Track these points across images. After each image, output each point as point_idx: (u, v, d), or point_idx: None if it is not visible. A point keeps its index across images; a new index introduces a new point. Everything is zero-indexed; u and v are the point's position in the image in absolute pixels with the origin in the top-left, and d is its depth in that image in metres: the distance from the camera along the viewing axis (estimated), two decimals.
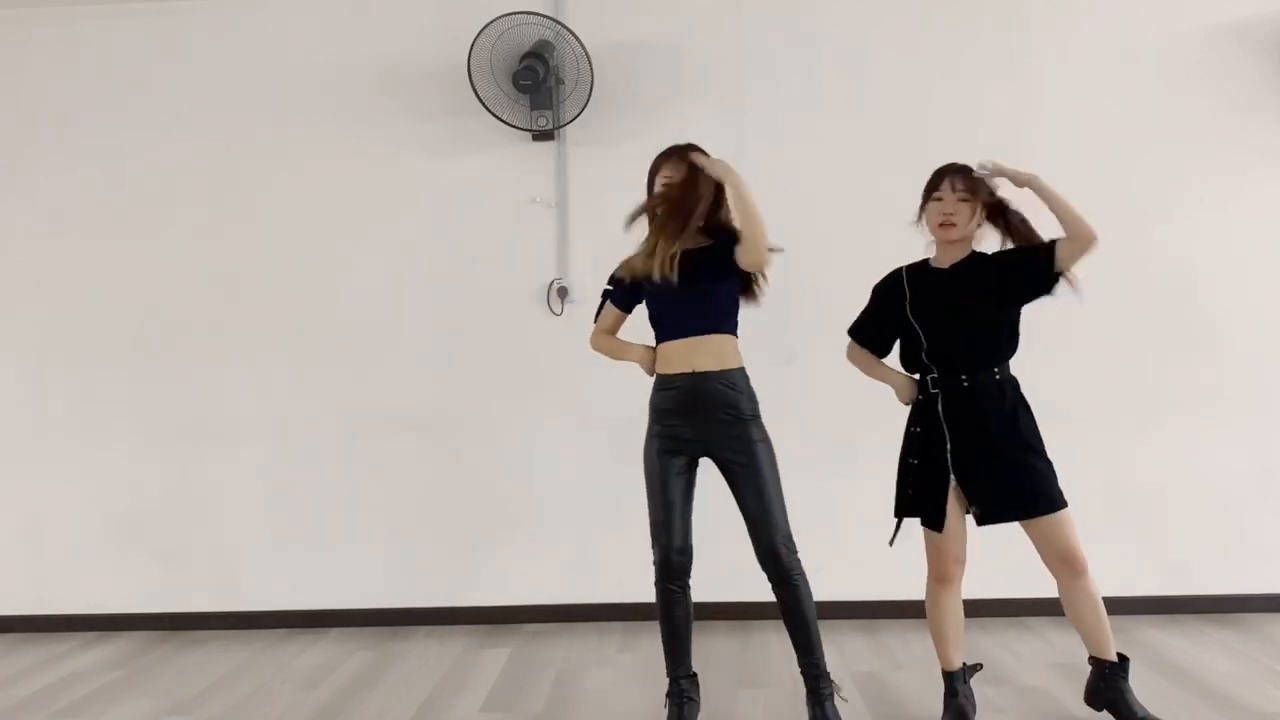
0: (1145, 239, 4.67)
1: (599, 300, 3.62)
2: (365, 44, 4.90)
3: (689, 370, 3.31)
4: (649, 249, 3.33)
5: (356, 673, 4.18)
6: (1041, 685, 3.81)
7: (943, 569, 3.31)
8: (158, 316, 4.93)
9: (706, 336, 3.32)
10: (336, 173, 4.88)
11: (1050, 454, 4.55)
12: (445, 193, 4.86)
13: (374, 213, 4.88)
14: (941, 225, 3.28)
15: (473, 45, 4.59)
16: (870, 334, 3.48)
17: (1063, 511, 3.25)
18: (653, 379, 3.43)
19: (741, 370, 3.36)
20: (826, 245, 4.56)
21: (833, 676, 3.34)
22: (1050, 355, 4.61)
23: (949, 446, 3.25)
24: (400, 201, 4.88)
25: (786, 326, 4.39)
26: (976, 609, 4.53)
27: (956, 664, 3.38)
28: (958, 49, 4.79)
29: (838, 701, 3.32)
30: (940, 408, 3.27)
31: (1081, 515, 4.55)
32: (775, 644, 4.27)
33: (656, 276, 3.28)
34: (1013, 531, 4.55)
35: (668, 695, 3.40)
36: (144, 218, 4.94)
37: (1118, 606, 4.51)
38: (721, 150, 4.66)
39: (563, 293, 4.80)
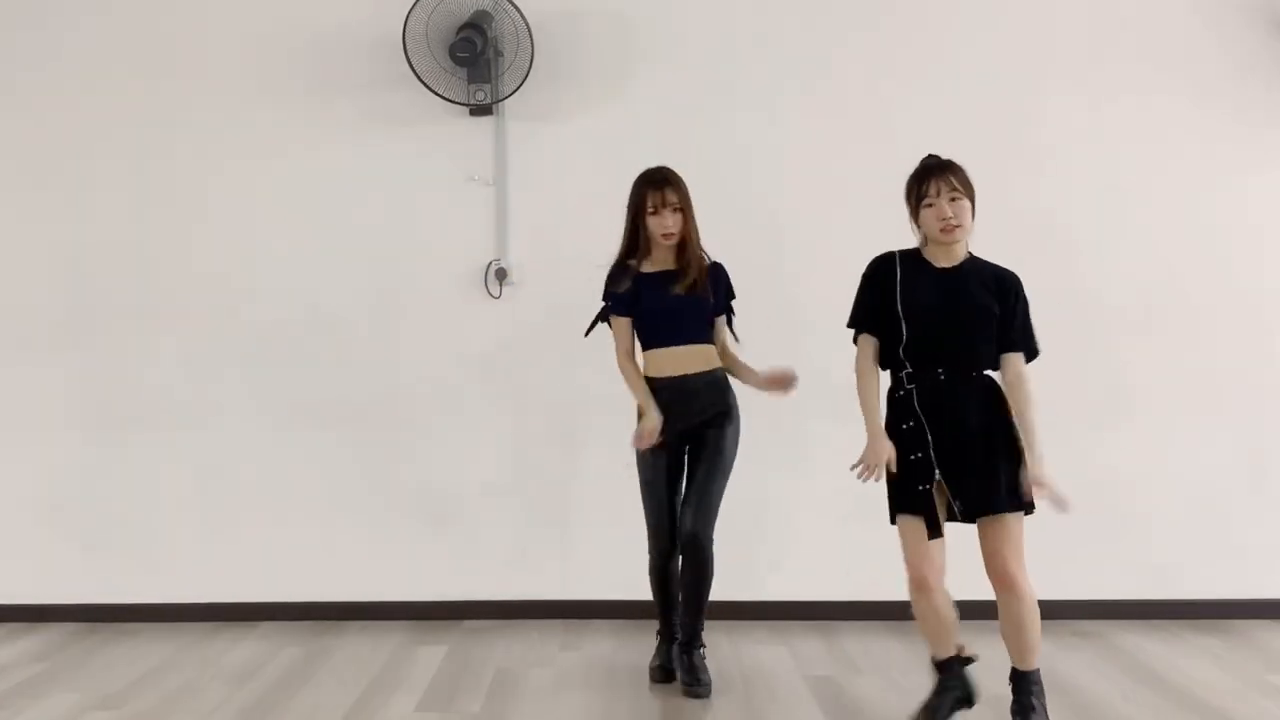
0: (1125, 225, 4.64)
1: (597, 318, 3.73)
2: (292, 13, 4.73)
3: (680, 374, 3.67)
4: (676, 265, 3.65)
5: (287, 668, 4.09)
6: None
7: (925, 575, 3.21)
8: (81, 300, 4.79)
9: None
10: (262, 151, 4.74)
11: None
12: (377, 171, 4.72)
13: (303, 192, 4.74)
14: (944, 230, 3.20)
15: (408, 16, 4.45)
16: (875, 321, 3.30)
17: (1014, 515, 3.18)
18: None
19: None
20: (779, 223, 4.48)
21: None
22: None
23: (931, 441, 3.17)
24: (330, 180, 4.74)
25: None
26: (961, 611, 4.54)
27: (944, 654, 3.32)
28: (923, 12, 4.68)
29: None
30: (916, 403, 3.20)
31: (1055, 514, 4.58)
32: (724, 645, 4.22)
33: (680, 291, 3.63)
34: (974, 531, 4.55)
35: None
36: (63, 198, 4.79)
37: (1095, 611, 4.58)
38: (671, 124, 4.61)
39: (501, 274, 4.69)
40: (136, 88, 4.75)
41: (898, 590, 4.49)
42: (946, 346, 3.19)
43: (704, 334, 3.70)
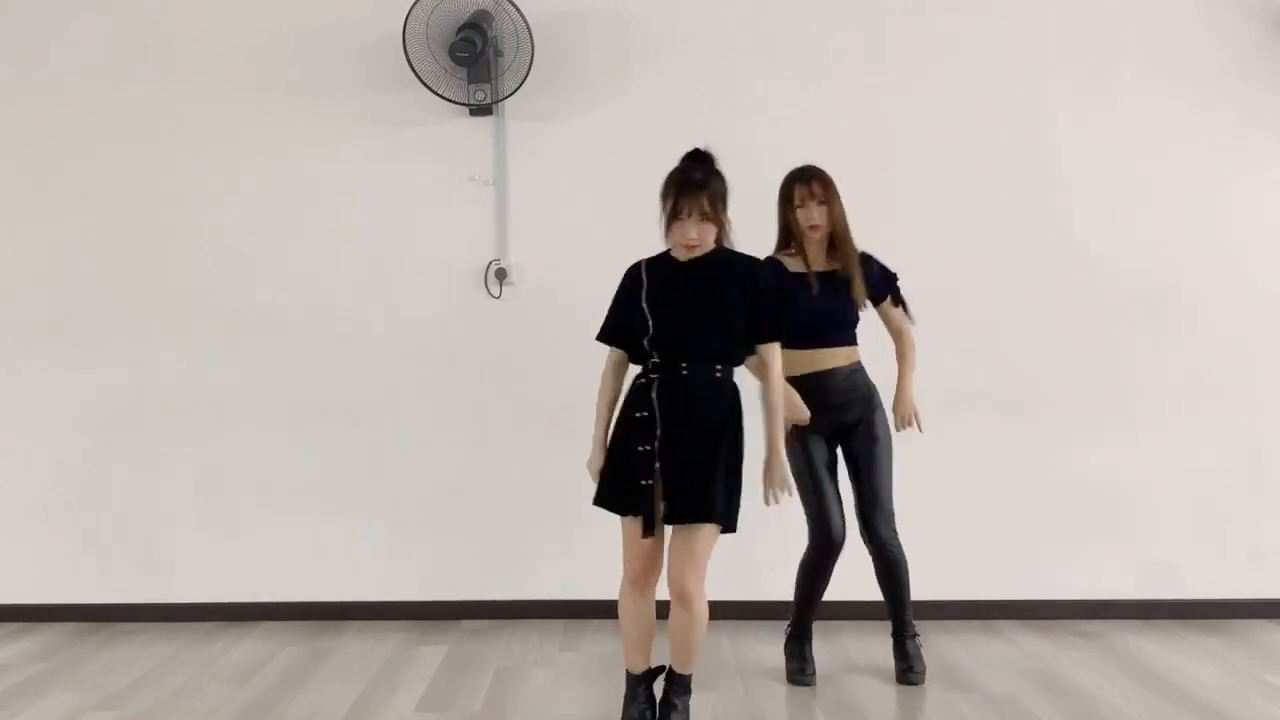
0: (1124, 221, 4.63)
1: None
2: (292, 13, 4.71)
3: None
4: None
5: (287, 668, 4.08)
6: (1010, 692, 3.71)
7: (638, 575, 3.20)
8: (81, 298, 4.76)
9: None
10: (262, 151, 4.72)
11: (1024, 447, 4.59)
12: (379, 171, 4.71)
13: (304, 192, 4.72)
14: (686, 248, 3.22)
15: (408, 16, 4.43)
16: (618, 331, 3.31)
17: (710, 528, 3.13)
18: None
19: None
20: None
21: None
22: (1025, 345, 4.63)
23: (659, 434, 3.13)
24: (332, 180, 4.72)
25: None
26: (940, 611, 4.55)
27: (641, 667, 3.28)
28: (922, 10, 4.67)
29: None
30: (654, 393, 3.16)
31: (1055, 512, 4.60)
32: (724, 645, 4.22)
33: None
34: (978, 530, 4.58)
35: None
36: (64, 198, 4.76)
37: (1093, 610, 4.57)
38: (670, 123, 4.60)
39: (501, 274, 4.67)
40: (136, 87, 4.73)
41: None
42: (687, 337, 3.17)
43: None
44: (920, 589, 4.57)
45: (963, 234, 4.61)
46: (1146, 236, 4.63)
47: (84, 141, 4.75)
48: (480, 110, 4.63)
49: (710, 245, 3.23)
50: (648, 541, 3.13)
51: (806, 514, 3.74)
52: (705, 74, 4.67)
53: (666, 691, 3.26)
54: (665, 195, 3.24)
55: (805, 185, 3.71)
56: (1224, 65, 4.64)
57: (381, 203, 4.71)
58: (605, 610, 4.52)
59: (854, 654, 4.17)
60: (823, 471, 3.75)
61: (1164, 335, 4.63)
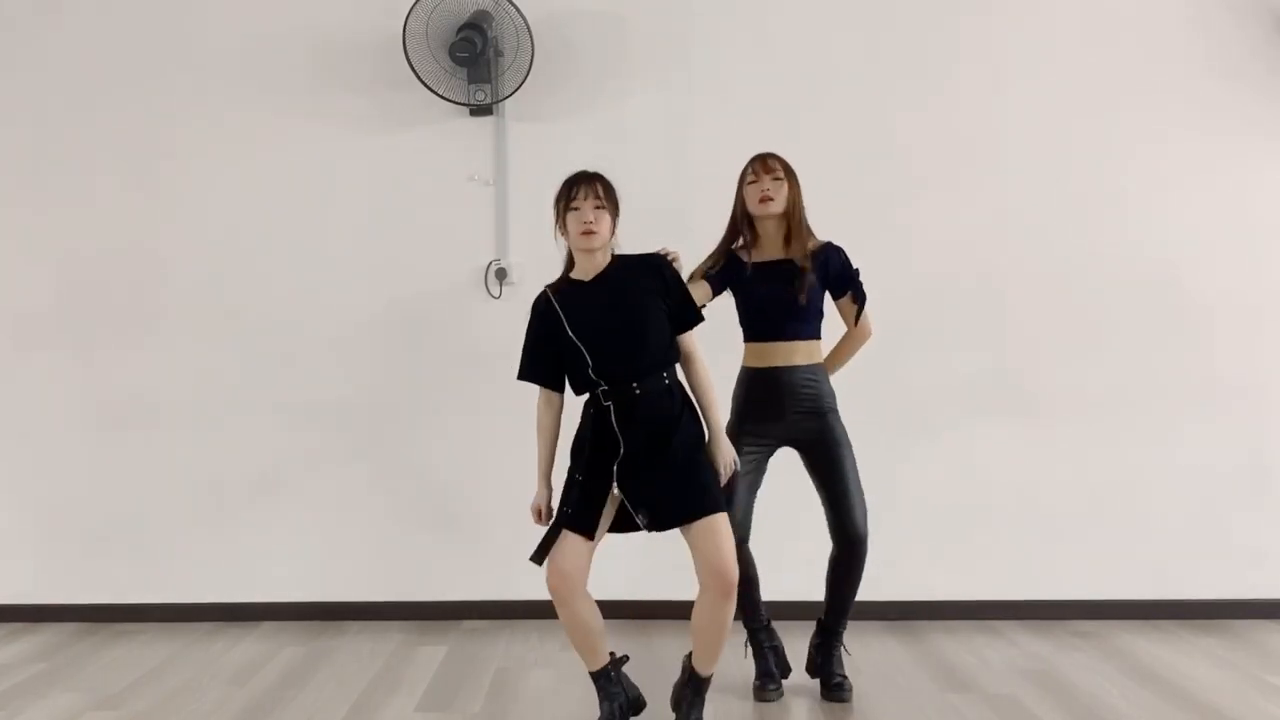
0: (1125, 221, 4.62)
1: None
2: (292, 13, 4.71)
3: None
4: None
5: (287, 669, 4.08)
6: (1010, 692, 3.70)
7: (566, 578, 3.19)
8: (81, 297, 4.76)
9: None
10: (263, 150, 4.72)
11: (1024, 449, 4.61)
12: (378, 171, 4.70)
13: (303, 192, 4.72)
14: (584, 234, 3.21)
15: (408, 16, 4.43)
16: (541, 367, 3.30)
17: (724, 514, 3.15)
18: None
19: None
20: None
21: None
22: (1025, 345, 4.62)
23: (621, 453, 3.15)
24: (331, 180, 4.71)
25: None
26: (940, 611, 4.57)
27: (599, 664, 3.32)
28: (920, 13, 4.67)
29: None
30: (613, 417, 3.16)
31: (1055, 512, 4.60)
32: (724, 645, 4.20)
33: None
34: (978, 530, 4.57)
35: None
36: (64, 196, 4.75)
37: (1095, 611, 4.56)
38: (667, 125, 4.61)
39: (501, 274, 4.67)
40: (137, 87, 4.73)
41: (897, 590, 4.54)
42: (630, 356, 3.16)
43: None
44: (920, 589, 4.60)
45: (963, 234, 4.60)
46: (1147, 237, 4.62)
47: (84, 141, 4.75)
48: (480, 110, 4.62)
49: (607, 238, 3.24)
50: (583, 550, 3.17)
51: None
52: (705, 75, 4.67)
53: (689, 687, 3.32)
54: (558, 197, 3.28)
55: (761, 162, 3.60)
56: (1226, 65, 4.63)
57: (381, 203, 4.71)
58: (605, 610, 4.51)
59: (855, 654, 4.14)
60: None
61: (1164, 336, 4.62)
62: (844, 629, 3.70)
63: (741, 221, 3.65)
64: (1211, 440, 4.61)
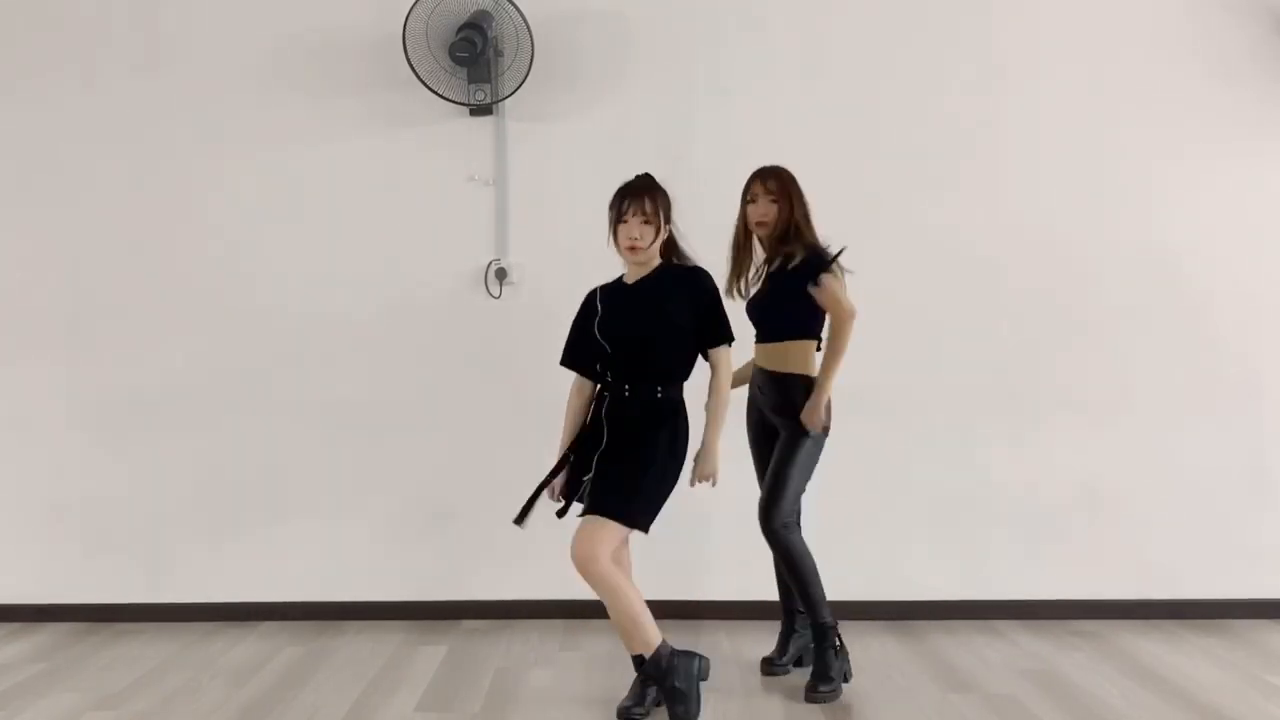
0: (1124, 220, 4.62)
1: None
2: (292, 13, 4.70)
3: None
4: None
5: (287, 669, 4.07)
6: (1010, 692, 3.70)
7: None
8: (82, 297, 4.75)
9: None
10: (263, 151, 4.71)
11: (1025, 447, 4.59)
12: (378, 170, 4.70)
13: (304, 191, 4.71)
14: (630, 249, 3.43)
15: (408, 16, 4.42)
16: (576, 355, 3.62)
17: (615, 524, 3.34)
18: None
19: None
20: None
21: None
22: (1024, 345, 4.62)
23: (603, 446, 3.45)
24: (331, 180, 4.71)
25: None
26: (940, 611, 4.57)
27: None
28: (920, 11, 4.67)
29: None
30: (603, 413, 3.49)
31: (1055, 512, 4.60)
32: (725, 644, 4.22)
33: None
34: (978, 531, 4.58)
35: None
36: (65, 198, 4.75)
37: (1095, 611, 4.57)
38: (669, 124, 4.61)
39: (501, 274, 4.67)
40: (136, 87, 4.72)
41: (897, 590, 4.55)
42: (635, 360, 3.44)
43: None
44: (920, 589, 4.61)
45: (962, 234, 4.60)
46: (1146, 237, 4.62)
47: (84, 141, 4.74)
48: (480, 110, 4.62)
49: (653, 252, 3.44)
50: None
51: None
52: (705, 75, 4.67)
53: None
54: (611, 205, 3.46)
55: (761, 181, 3.74)
56: (1228, 65, 4.63)
57: (381, 203, 4.70)
58: (605, 610, 4.54)
59: (855, 654, 4.14)
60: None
61: (1164, 336, 4.62)
62: (818, 622, 3.68)
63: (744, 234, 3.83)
64: (1212, 440, 4.61)
